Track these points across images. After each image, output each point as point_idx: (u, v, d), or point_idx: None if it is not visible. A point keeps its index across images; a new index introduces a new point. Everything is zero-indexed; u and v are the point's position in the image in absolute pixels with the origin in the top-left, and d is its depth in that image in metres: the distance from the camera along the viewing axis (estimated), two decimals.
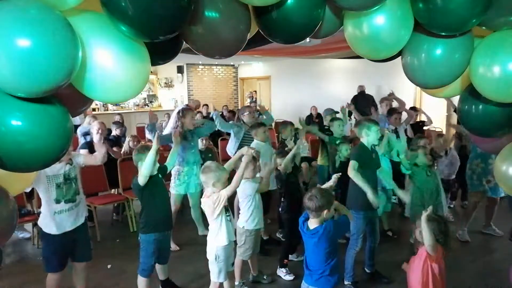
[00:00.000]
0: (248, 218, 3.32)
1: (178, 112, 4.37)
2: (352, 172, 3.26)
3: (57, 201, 2.87)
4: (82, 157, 3.14)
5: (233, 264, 3.08)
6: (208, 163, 2.93)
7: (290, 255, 3.87)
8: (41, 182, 2.81)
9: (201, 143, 4.95)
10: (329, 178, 4.83)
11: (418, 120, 6.16)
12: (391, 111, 5.23)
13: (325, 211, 2.41)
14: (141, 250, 3.13)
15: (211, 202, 2.76)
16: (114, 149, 5.38)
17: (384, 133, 4.06)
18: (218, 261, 2.88)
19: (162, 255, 3.24)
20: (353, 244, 3.45)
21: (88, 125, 5.87)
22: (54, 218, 2.86)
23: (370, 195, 3.18)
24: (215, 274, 2.92)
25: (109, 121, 7.18)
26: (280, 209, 3.86)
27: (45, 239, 2.95)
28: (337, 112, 5.63)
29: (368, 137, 3.39)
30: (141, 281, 3.14)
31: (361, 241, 3.45)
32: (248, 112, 5.06)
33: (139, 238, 3.17)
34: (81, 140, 5.81)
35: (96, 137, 3.06)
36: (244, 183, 3.27)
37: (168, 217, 3.26)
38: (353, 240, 3.45)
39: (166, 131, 4.29)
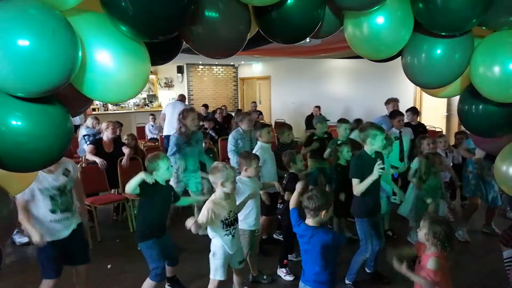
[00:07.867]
0: (244, 218, 3.31)
1: (179, 115, 4.32)
2: (357, 190, 3.22)
3: (53, 211, 2.81)
4: (78, 173, 3.11)
5: (240, 262, 3.06)
6: (215, 163, 2.91)
7: (289, 255, 3.86)
8: (33, 196, 2.74)
9: None
10: (330, 180, 4.88)
11: (418, 121, 6.14)
12: (395, 114, 5.16)
13: (323, 212, 2.41)
14: (147, 258, 3.06)
15: (205, 210, 2.72)
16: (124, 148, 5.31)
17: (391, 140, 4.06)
18: (215, 258, 2.87)
19: (170, 255, 3.20)
20: (363, 250, 3.41)
21: (92, 129, 5.86)
22: (49, 226, 2.80)
23: None
24: (212, 270, 2.92)
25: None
26: (280, 215, 3.83)
27: (39, 247, 2.81)
28: (328, 120, 5.61)
29: (372, 146, 3.29)
30: (150, 285, 3.03)
31: (371, 247, 3.39)
32: (247, 120, 4.86)
33: (139, 248, 3.13)
34: (82, 142, 5.79)
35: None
36: (243, 182, 3.26)
37: (163, 225, 3.19)
38: (363, 245, 3.40)
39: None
